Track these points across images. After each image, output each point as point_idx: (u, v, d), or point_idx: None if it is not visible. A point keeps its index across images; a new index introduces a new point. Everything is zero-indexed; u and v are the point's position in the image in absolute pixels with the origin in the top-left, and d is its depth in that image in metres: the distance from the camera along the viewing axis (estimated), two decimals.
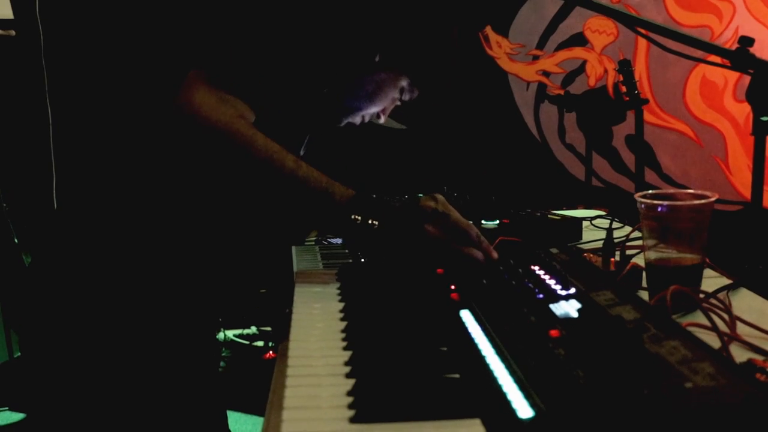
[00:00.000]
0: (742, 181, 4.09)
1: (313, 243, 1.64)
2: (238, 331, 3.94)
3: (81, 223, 1.36)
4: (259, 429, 0.92)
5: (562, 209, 1.95)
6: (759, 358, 1.00)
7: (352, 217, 1.21)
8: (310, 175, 1.22)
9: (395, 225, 1.22)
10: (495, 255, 1.23)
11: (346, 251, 1.49)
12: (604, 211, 2.02)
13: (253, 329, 3.95)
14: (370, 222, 1.21)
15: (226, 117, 1.19)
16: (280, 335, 1.07)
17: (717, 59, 1.48)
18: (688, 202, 1.21)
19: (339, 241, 1.62)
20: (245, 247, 1.47)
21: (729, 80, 4.10)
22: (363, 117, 1.48)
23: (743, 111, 3.99)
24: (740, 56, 1.39)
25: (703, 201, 1.20)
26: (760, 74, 1.37)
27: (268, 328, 3.87)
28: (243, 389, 3.05)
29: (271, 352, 3.68)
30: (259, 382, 1.06)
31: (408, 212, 1.22)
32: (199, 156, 1.22)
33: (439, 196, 1.24)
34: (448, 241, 1.21)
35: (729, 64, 1.42)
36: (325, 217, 1.24)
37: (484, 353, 0.85)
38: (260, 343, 3.82)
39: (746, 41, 1.38)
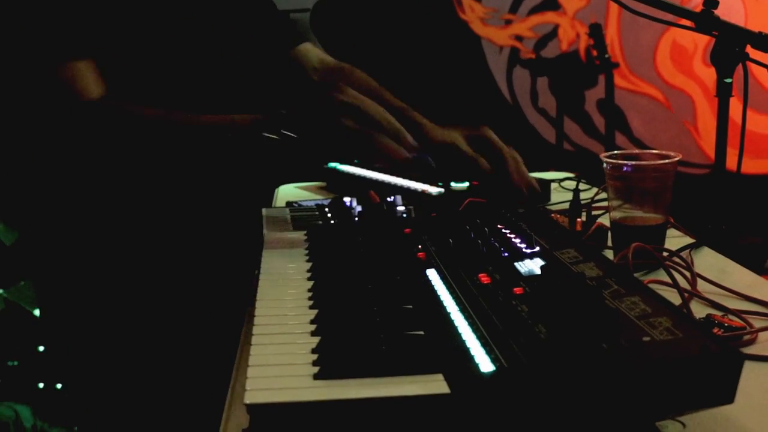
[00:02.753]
0: (711, 145, 4.09)
1: (284, 206, 1.63)
2: None
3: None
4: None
5: (533, 172, 1.95)
6: (718, 313, 1.02)
7: (266, 135, 1.15)
8: (205, 118, 1.23)
9: (310, 130, 1.15)
10: (411, 140, 1.15)
11: (317, 213, 1.49)
12: (574, 175, 2.03)
13: None
14: (286, 134, 1.15)
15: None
16: (249, 297, 1.07)
17: (688, 23, 1.49)
18: (652, 162, 1.22)
19: (310, 203, 1.62)
20: (214, 214, 1.47)
21: (699, 45, 4.12)
22: None
23: (713, 75, 4.02)
24: (704, 18, 1.40)
25: (666, 161, 1.21)
26: (723, 36, 1.39)
27: None
28: None
29: None
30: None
31: (318, 109, 1.15)
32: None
33: (347, 88, 1.16)
34: (362, 130, 1.13)
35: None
36: (238, 142, 1.20)
37: (448, 310, 0.85)
38: None
39: (711, 3, 1.39)
